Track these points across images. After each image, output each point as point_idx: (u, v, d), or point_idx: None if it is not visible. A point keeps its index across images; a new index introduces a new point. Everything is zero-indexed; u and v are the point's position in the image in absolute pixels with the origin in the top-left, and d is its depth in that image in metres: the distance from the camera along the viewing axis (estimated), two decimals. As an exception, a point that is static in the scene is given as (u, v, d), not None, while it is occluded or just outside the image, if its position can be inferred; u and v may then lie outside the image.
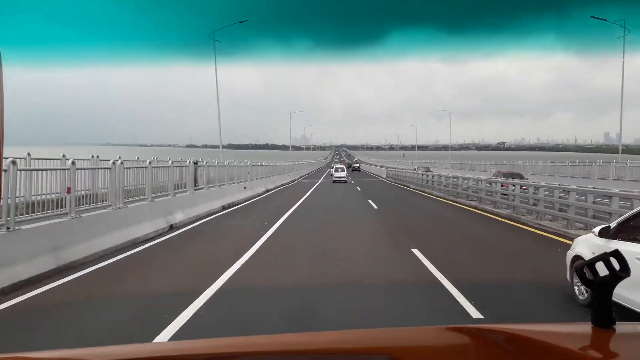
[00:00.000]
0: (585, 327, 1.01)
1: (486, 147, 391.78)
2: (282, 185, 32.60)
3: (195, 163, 15.57)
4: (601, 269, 0.97)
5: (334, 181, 39.65)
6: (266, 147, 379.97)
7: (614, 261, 0.94)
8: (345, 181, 39.86)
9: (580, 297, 5.44)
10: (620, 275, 0.94)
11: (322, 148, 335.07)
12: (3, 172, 5.30)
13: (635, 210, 5.09)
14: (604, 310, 0.98)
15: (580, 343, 0.96)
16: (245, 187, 21.09)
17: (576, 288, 5.57)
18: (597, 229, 5.35)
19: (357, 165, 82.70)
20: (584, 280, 0.98)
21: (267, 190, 25.98)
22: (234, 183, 19.69)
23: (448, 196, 21.92)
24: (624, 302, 4.50)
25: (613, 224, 5.21)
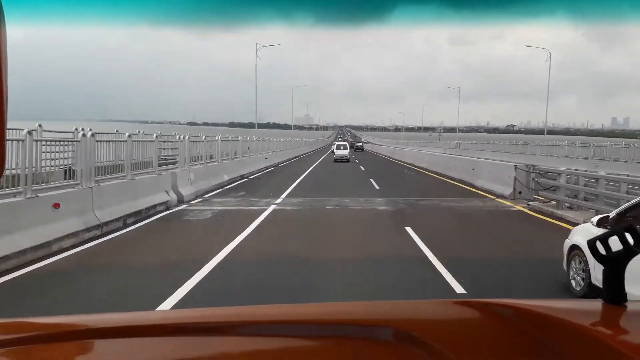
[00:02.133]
0: (596, 304, 0.99)
1: (495, 130, 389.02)
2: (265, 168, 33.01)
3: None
4: (614, 245, 0.94)
5: (335, 160, 37.22)
6: (267, 125, 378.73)
7: (628, 236, 0.91)
8: (347, 160, 37.54)
9: (577, 288, 5.38)
10: (635, 250, 0.91)
11: (325, 128, 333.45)
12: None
13: (634, 201, 5.08)
14: (616, 287, 0.96)
15: (591, 319, 0.94)
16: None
17: (572, 280, 5.50)
18: (595, 219, 5.35)
19: (361, 144, 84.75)
20: (597, 256, 0.95)
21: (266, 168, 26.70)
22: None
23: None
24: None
25: (612, 214, 5.21)
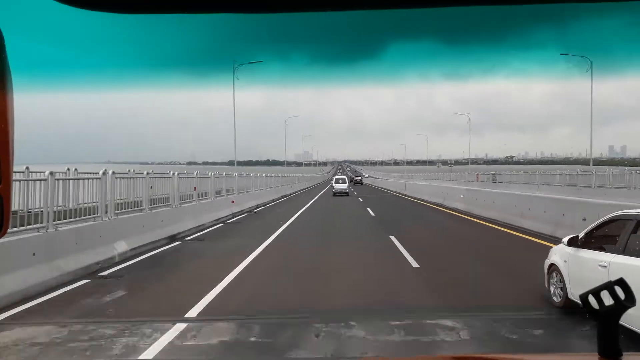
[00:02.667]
0: (592, 358, 0.99)
1: (494, 162, 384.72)
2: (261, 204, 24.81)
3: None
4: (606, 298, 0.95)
5: (335, 194, 35.79)
6: (267, 163, 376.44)
7: (618, 290, 0.92)
8: (347, 194, 35.96)
9: (557, 300, 5.89)
10: (625, 305, 0.92)
11: (324, 164, 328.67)
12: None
13: (599, 221, 5.53)
14: (610, 341, 0.96)
15: None
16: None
17: (552, 295, 6.00)
18: (565, 239, 5.86)
19: (359, 178, 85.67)
20: (589, 310, 0.95)
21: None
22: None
23: None
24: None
25: (581, 234, 5.65)
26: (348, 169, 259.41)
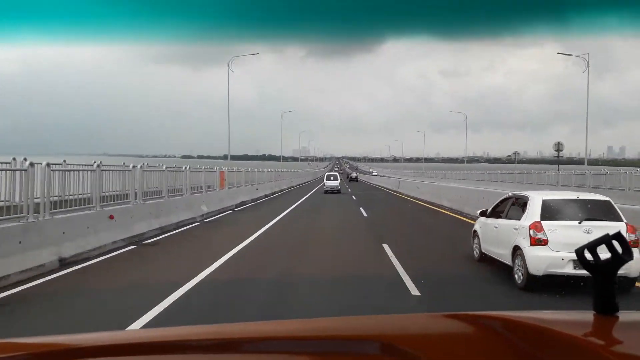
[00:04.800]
0: (587, 315, 1.00)
1: (497, 160, 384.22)
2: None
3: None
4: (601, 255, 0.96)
5: (326, 191, 35.05)
6: (263, 157, 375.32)
7: (616, 244, 0.91)
8: (339, 191, 35.20)
9: (475, 255, 8.80)
10: (623, 259, 0.92)
11: (321, 159, 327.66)
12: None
13: (498, 200, 8.44)
14: (606, 297, 0.96)
15: (582, 330, 0.94)
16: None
17: (474, 250, 8.91)
18: (478, 212, 9.00)
19: (355, 175, 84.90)
20: (585, 265, 0.94)
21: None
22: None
23: None
24: (488, 252, 8.20)
25: (489, 209, 8.46)
26: (347, 165, 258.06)
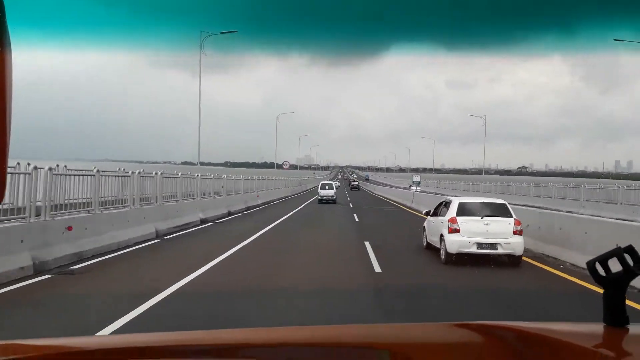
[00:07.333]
0: (597, 327, 1.01)
1: (507, 172, 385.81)
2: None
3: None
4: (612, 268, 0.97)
5: (320, 201, 35.35)
6: (264, 165, 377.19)
7: (627, 257, 0.91)
8: (334, 201, 35.27)
9: (424, 244, 12.12)
10: (635, 272, 0.91)
11: (325, 168, 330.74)
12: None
13: (437, 203, 11.71)
14: (616, 309, 0.96)
15: (592, 342, 0.95)
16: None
17: (424, 240, 12.16)
18: (424, 211, 13.34)
19: (356, 183, 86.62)
20: (596, 277, 0.95)
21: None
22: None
23: None
24: (430, 242, 11.40)
25: (432, 210, 11.73)
26: (353, 174, 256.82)
